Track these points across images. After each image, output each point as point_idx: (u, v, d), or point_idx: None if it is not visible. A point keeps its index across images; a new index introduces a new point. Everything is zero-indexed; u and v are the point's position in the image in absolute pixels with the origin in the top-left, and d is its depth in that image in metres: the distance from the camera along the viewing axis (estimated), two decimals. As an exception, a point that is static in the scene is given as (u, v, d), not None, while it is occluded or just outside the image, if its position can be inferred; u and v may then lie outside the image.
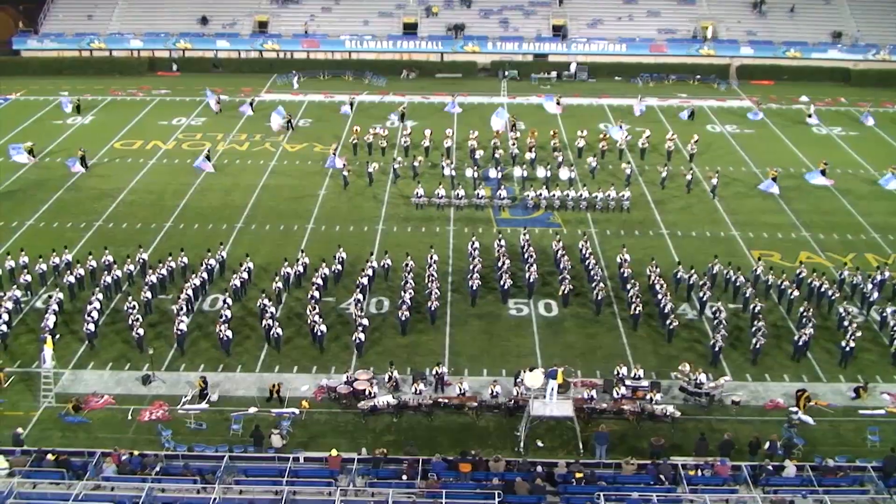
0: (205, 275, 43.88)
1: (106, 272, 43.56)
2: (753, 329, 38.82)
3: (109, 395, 35.78)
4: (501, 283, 43.22)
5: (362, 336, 38.36)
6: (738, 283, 43.41)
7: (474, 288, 42.74)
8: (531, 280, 43.40)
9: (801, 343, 38.28)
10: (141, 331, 38.55)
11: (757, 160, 61.98)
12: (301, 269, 44.91)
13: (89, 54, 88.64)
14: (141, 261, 45.35)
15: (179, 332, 38.48)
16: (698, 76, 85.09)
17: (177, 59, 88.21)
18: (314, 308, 39.72)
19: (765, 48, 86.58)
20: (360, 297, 41.49)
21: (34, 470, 30.24)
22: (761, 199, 55.50)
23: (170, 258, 45.03)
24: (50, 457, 30.60)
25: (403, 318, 40.13)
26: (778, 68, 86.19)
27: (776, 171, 57.72)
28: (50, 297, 41.52)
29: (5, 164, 60.30)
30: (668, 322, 39.92)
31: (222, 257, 46.13)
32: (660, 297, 41.39)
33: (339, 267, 44.97)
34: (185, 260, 45.63)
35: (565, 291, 42.54)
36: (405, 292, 41.26)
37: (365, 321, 39.24)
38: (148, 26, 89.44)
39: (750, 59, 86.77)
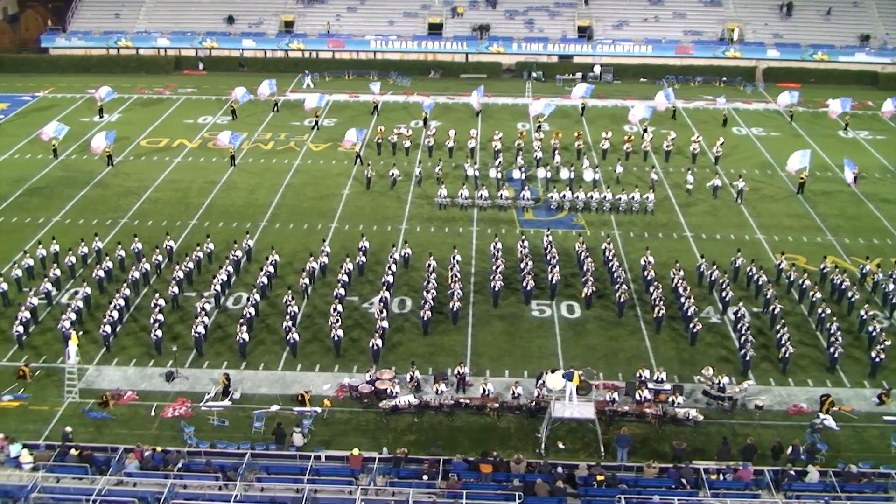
0: (230, 268, 44.20)
1: (134, 266, 43.86)
2: (779, 336, 38.45)
3: (133, 391, 36.06)
4: (524, 284, 43.15)
5: (380, 342, 38.20)
6: (760, 283, 43.15)
7: (496, 289, 42.69)
8: (554, 281, 43.29)
9: (836, 355, 37.79)
10: (159, 332, 38.64)
11: (783, 164, 61.37)
12: (325, 259, 45.21)
13: (116, 52, 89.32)
14: (168, 248, 45.89)
15: (197, 335, 38.50)
16: (724, 78, 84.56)
17: (203, 57, 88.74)
18: (335, 309, 39.81)
19: (792, 51, 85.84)
20: (387, 294, 41.59)
21: (58, 464, 30.50)
22: (787, 202, 55.08)
23: (197, 248, 45.61)
24: (73, 452, 30.89)
25: (425, 319, 40.14)
26: (805, 71, 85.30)
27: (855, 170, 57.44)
28: (76, 293, 41.87)
29: (32, 161, 60.97)
30: (691, 325, 39.71)
31: (248, 246, 46.51)
32: (683, 299, 41.18)
33: (364, 258, 45.25)
34: (212, 246, 46.21)
35: (588, 293, 42.43)
36: (427, 292, 41.28)
37: (385, 324, 39.26)
38: (175, 25, 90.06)
39: (776, 62, 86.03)
